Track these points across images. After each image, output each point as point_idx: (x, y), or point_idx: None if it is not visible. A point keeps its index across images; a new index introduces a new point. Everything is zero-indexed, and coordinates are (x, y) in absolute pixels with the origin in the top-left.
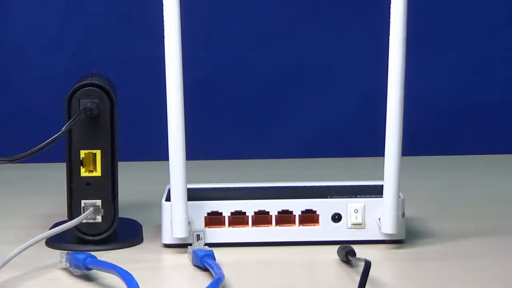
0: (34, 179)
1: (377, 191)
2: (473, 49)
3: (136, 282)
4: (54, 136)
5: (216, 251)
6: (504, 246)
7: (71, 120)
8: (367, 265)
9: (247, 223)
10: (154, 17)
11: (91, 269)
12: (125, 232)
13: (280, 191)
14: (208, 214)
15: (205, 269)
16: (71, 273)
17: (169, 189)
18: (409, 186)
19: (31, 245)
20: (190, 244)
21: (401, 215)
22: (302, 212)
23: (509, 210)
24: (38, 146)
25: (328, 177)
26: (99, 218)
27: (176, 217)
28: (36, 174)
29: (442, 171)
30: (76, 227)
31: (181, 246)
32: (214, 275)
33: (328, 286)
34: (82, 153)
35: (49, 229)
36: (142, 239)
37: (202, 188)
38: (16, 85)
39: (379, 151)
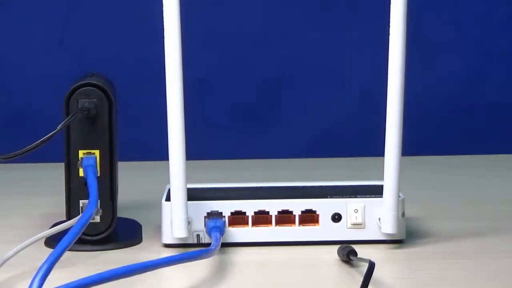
0: (34, 179)
1: (377, 191)
2: (473, 49)
3: None
4: (49, 135)
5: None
6: (504, 246)
7: (66, 119)
8: (371, 266)
9: (247, 223)
10: (154, 17)
11: None
12: (124, 232)
13: (280, 191)
14: (208, 214)
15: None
16: (69, 273)
17: (169, 189)
18: (409, 186)
19: (30, 244)
20: (190, 245)
21: (401, 215)
22: (302, 212)
23: (509, 210)
24: (32, 145)
25: (328, 177)
26: (97, 218)
27: (176, 217)
28: (36, 174)
29: (442, 171)
30: None
31: (181, 246)
32: None
33: (328, 286)
34: (81, 153)
35: (49, 229)
36: (141, 239)
37: (202, 188)
38: (16, 85)
39: (379, 151)
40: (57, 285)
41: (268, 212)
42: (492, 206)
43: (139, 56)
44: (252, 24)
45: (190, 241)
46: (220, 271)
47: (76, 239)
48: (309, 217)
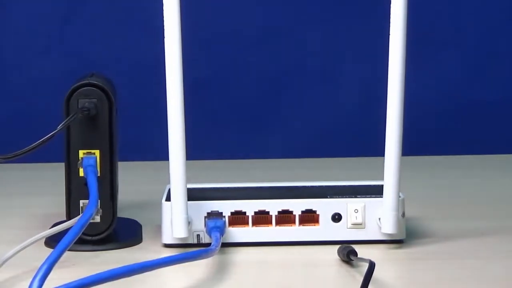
0: (34, 179)
1: (377, 191)
2: (473, 49)
3: None
4: (49, 135)
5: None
6: (504, 246)
7: (66, 119)
8: (371, 266)
9: (247, 223)
10: (154, 17)
11: None
12: (125, 232)
13: (280, 191)
14: (208, 214)
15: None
16: (69, 273)
17: (169, 189)
18: (409, 186)
19: (30, 244)
20: (190, 245)
21: (401, 215)
22: (302, 212)
23: (509, 210)
24: (32, 145)
25: (328, 177)
26: (97, 218)
27: (176, 217)
28: (36, 174)
29: (442, 171)
30: None
31: (181, 246)
32: None
33: (328, 286)
34: (81, 153)
35: (49, 229)
36: (141, 239)
37: (202, 188)
38: (16, 85)
39: (379, 151)
40: (57, 285)
41: (268, 212)
42: (492, 206)
43: (139, 56)
44: (252, 24)
45: (190, 241)
46: (220, 271)
47: (76, 239)
48: (309, 217)
